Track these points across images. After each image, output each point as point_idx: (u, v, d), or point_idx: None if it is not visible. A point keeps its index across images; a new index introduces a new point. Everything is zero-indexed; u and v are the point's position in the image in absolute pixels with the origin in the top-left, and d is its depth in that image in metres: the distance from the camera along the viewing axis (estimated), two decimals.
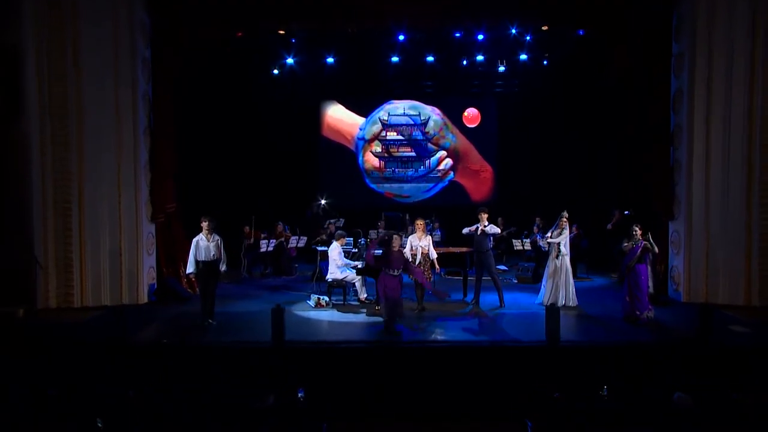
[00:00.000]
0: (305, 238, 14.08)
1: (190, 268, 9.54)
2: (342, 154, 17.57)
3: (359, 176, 17.64)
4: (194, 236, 9.59)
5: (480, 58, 15.01)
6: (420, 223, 10.44)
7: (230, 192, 15.20)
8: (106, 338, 8.61)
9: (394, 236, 9.31)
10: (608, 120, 14.49)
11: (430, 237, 10.59)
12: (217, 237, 9.52)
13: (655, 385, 7.08)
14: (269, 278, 13.83)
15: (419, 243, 10.26)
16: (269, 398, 6.80)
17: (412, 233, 10.79)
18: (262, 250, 13.52)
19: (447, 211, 15.89)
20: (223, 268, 9.67)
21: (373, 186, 17.71)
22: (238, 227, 14.08)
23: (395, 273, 9.10)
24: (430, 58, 15.13)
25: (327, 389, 7.45)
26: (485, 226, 10.58)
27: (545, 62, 15.40)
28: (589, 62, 14.43)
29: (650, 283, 9.85)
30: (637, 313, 9.43)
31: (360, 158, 17.67)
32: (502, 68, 15.65)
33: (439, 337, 8.93)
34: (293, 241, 13.95)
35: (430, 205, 16.64)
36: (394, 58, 14.84)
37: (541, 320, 8.53)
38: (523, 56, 14.76)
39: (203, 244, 9.42)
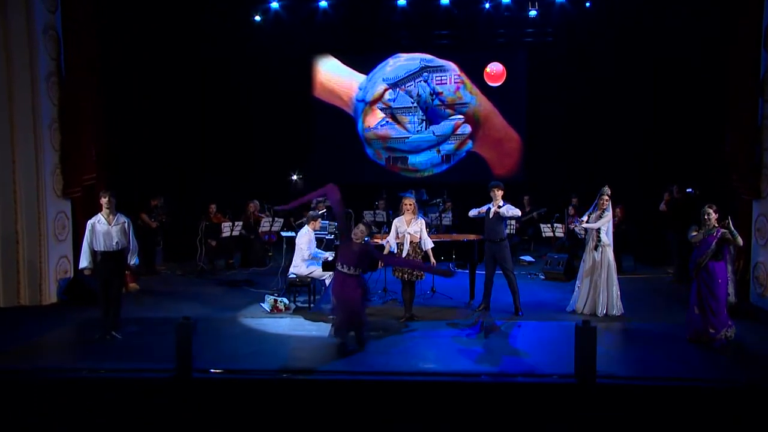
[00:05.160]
0: (281, 220, 12.12)
1: (84, 262, 7.65)
2: (338, 119, 16.43)
3: (358, 145, 16.45)
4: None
5: (506, 0, 13.75)
6: (409, 202, 8.56)
7: (189, 163, 13.71)
8: None
9: (360, 225, 7.49)
10: (667, 71, 13.11)
11: (423, 221, 8.68)
12: (123, 219, 7.77)
13: None
14: (235, 270, 12.08)
15: (407, 229, 8.41)
16: None
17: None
18: (224, 234, 11.62)
19: (463, 188, 14.51)
20: (132, 261, 7.88)
21: (374, 158, 16.50)
22: (199, 207, 12.44)
23: (347, 271, 7.28)
24: (445, 1, 13.92)
25: None
26: (500, 207, 8.79)
27: (588, 4, 13.88)
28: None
29: (730, 289, 8.01)
30: (712, 331, 7.33)
31: (360, 124, 16.45)
32: (533, 13, 14.26)
33: (426, 365, 6.81)
34: (265, 224, 11.85)
35: (442, 181, 15.54)
36: (401, 1, 13.90)
37: (572, 338, 6.42)
38: None
39: (101, 229, 7.61)
